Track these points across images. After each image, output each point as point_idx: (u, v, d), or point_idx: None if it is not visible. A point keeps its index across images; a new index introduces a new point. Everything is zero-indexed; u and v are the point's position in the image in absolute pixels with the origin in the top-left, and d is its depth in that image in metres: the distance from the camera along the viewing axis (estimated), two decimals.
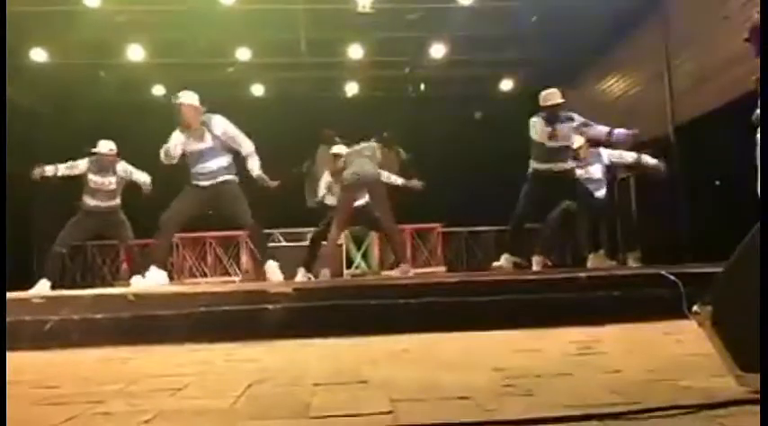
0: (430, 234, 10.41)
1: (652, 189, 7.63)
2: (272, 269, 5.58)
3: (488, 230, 10.17)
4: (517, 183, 6.06)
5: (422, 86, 11.64)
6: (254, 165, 5.60)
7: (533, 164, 5.91)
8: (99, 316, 3.59)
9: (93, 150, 6.44)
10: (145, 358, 2.96)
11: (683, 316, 2.48)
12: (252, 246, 6.12)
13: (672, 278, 3.58)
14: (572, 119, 5.81)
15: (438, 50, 10.04)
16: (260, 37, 9.59)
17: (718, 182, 7.31)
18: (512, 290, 3.88)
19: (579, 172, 6.18)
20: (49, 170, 6.43)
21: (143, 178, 6.59)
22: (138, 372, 2.45)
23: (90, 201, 6.47)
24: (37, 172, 6.39)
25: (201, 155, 5.53)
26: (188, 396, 1.92)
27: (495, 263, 6.00)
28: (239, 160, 5.67)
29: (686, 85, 7.73)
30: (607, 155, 6.50)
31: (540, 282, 4.16)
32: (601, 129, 5.88)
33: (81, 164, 6.48)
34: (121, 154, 6.58)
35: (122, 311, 3.64)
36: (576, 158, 6.14)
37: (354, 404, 1.67)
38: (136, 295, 3.89)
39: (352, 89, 11.49)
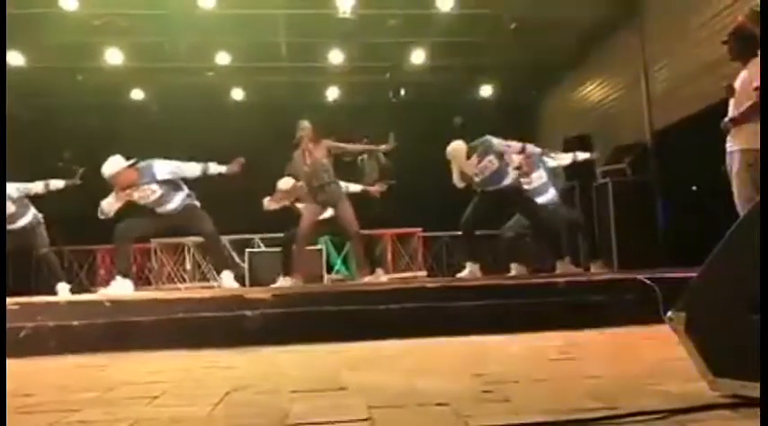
0: (410, 238, 10.41)
1: (630, 194, 7.71)
2: (227, 279, 5.80)
3: None
4: None
5: (402, 92, 11.66)
6: (215, 170, 5.80)
7: (474, 187, 6.24)
8: (75, 323, 3.54)
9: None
10: (122, 365, 2.93)
11: (660, 321, 2.51)
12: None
13: (649, 283, 3.62)
14: (490, 146, 6.04)
15: (418, 56, 10.09)
16: (240, 41, 9.56)
17: (694, 188, 7.40)
18: (491, 296, 3.89)
19: (524, 180, 6.45)
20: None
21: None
22: (115, 379, 2.43)
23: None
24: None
25: (158, 201, 5.69)
26: (165, 404, 1.90)
27: (460, 275, 6.15)
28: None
29: (663, 92, 7.84)
30: (547, 159, 6.77)
31: (518, 287, 4.18)
32: (515, 147, 6.20)
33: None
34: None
35: (99, 317, 3.60)
36: (518, 168, 6.37)
37: (332, 412, 1.67)
38: (112, 301, 3.85)
39: (332, 94, 11.49)
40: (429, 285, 4.49)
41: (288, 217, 7.26)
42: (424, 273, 9.93)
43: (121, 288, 5.51)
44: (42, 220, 6.63)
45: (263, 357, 3.05)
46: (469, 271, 6.11)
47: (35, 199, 6.59)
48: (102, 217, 5.66)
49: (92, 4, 8.03)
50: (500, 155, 6.07)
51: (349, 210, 6.09)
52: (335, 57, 9.93)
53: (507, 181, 6.12)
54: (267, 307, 3.67)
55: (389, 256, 9.94)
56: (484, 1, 8.72)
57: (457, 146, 6.15)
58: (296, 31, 9.19)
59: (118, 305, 3.79)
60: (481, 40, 9.68)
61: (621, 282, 4.03)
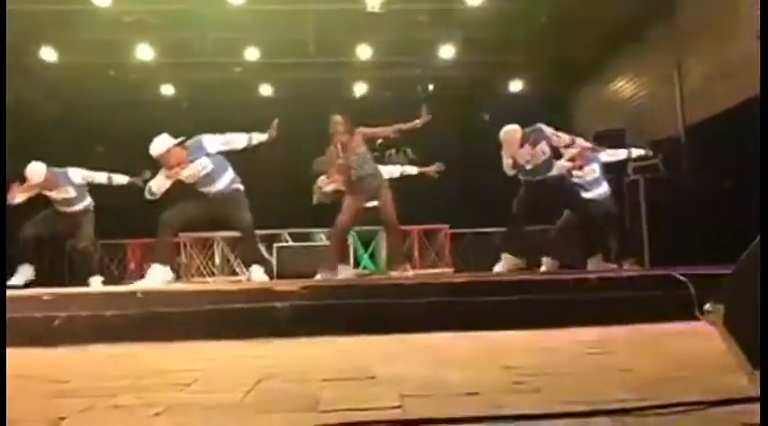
0: (437, 234, 10.40)
1: (662, 190, 7.60)
2: (257, 272, 5.81)
3: (496, 231, 10.13)
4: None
5: (431, 87, 11.63)
6: (258, 140, 5.82)
7: (521, 176, 6.17)
8: (108, 313, 3.60)
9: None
10: (153, 354, 2.97)
11: (692, 318, 2.47)
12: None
13: (682, 279, 3.56)
14: (542, 132, 5.95)
15: (447, 51, 10.05)
16: (268, 37, 9.61)
17: (728, 184, 7.26)
18: (521, 291, 3.87)
19: (576, 173, 6.34)
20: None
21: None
22: (147, 368, 2.46)
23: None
24: None
25: (206, 179, 5.66)
26: (198, 391, 1.92)
27: (496, 268, 6.08)
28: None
29: (696, 87, 7.71)
30: (602, 154, 6.68)
31: (549, 283, 4.15)
32: (565, 139, 6.16)
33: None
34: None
35: (131, 308, 3.65)
36: (572, 160, 6.28)
37: (363, 399, 1.67)
38: (144, 292, 3.90)
39: (360, 89, 11.50)
40: (457, 279, 4.48)
41: (317, 213, 7.31)
42: (450, 270, 9.91)
43: (160, 275, 5.48)
44: (92, 209, 6.76)
45: (293, 348, 3.06)
46: (504, 262, 6.05)
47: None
48: (150, 198, 5.60)
49: (123, 0, 8.14)
50: (551, 145, 5.99)
51: (390, 200, 6.05)
52: (364, 52, 9.93)
53: (554, 171, 6.05)
54: (296, 300, 3.69)
55: (416, 252, 9.94)
56: None
57: (511, 130, 6.00)
58: (324, 27, 9.21)
59: (150, 296, 3.84)
60: (511, 35, 9.62)
61: (654, 278, 3.98)
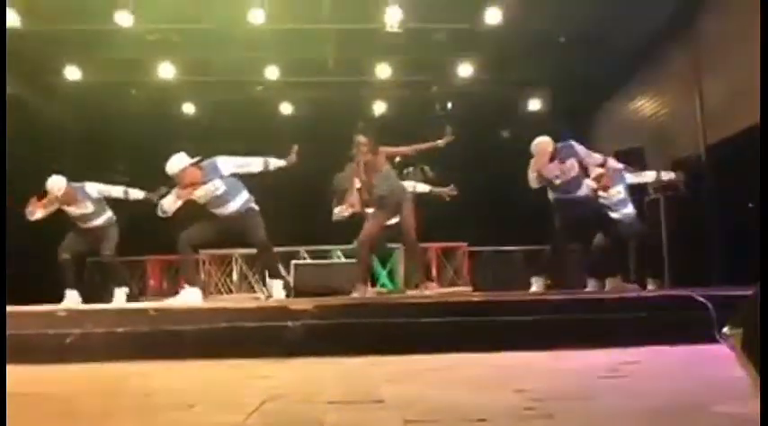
0: (456, 252, 10.32)
1: (682, 209, 7.48)
2: (276, 287, 5.81)
3: (515, 250, 10.05)
4: (544, 201, 6.11)
5: (449, 105, 11.61)
6: (275, 165, 5.77)
7: (550, 194, 6.09)
8: (120, 330, 3.59)
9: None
10: (163, 372, 2.95)
11: (712, 340, 2.40)
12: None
13: (702, 300, 3.48)
14: (572, 148, 5.90)
15: (466, 69, 10.03)
16: (289, 56, 9.67)
17: (751, 205, 7.13)
18: (538, 311, 3.80)
19: (602, 194, 6.26)
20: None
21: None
22: (154, 386, 2.44)
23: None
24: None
25: (218, 200, 5.65)
26: (200, 412, 1.89)
27: (532, 290, 6.00)
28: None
29: (717, 105, 7.60)
30: (627, 175, 6.57)
31: (566, 303, 4.07)
32: (597, 159, 6.08)
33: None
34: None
35: (144, 326, 3.64)
36: (597, 180, 6.18)
37: (368, 424, 1.62)
38: (157, 310, 3.89)
39: (380, 108, 11.50)
40: (474, 299, 4.42)
41: (335, 230, 7.28)
42: (469, 289, 9.81)
43: (190, 297, 5.51)
44: (115, 223, 6.79)
45: (303, 367, 3.02)
46: (536, 285, 5.99)
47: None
48: (162, 215, 5.65)
49: (146, 19, 8.24)
50: (581, 163, 5.92)
51: (412, 216, 6.00)
52: (383, 71, 9.94)
53: (582, 191, 5.99)
54: (309, 318, 3.65)
55: (435, 271, 9.86)
56: (532, 14, 8.63)
57: (544, 142, 5.92)
58: (344, 46, 9.25)
59: (163, 313, 3.82)
60: (530, 53, 9.58)
61: (674, 299, 3.89)
